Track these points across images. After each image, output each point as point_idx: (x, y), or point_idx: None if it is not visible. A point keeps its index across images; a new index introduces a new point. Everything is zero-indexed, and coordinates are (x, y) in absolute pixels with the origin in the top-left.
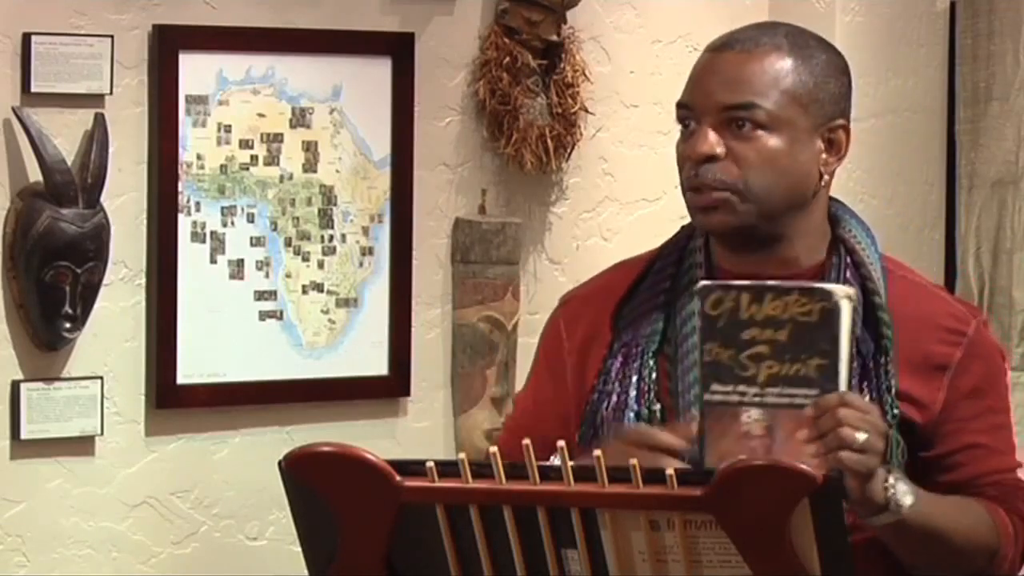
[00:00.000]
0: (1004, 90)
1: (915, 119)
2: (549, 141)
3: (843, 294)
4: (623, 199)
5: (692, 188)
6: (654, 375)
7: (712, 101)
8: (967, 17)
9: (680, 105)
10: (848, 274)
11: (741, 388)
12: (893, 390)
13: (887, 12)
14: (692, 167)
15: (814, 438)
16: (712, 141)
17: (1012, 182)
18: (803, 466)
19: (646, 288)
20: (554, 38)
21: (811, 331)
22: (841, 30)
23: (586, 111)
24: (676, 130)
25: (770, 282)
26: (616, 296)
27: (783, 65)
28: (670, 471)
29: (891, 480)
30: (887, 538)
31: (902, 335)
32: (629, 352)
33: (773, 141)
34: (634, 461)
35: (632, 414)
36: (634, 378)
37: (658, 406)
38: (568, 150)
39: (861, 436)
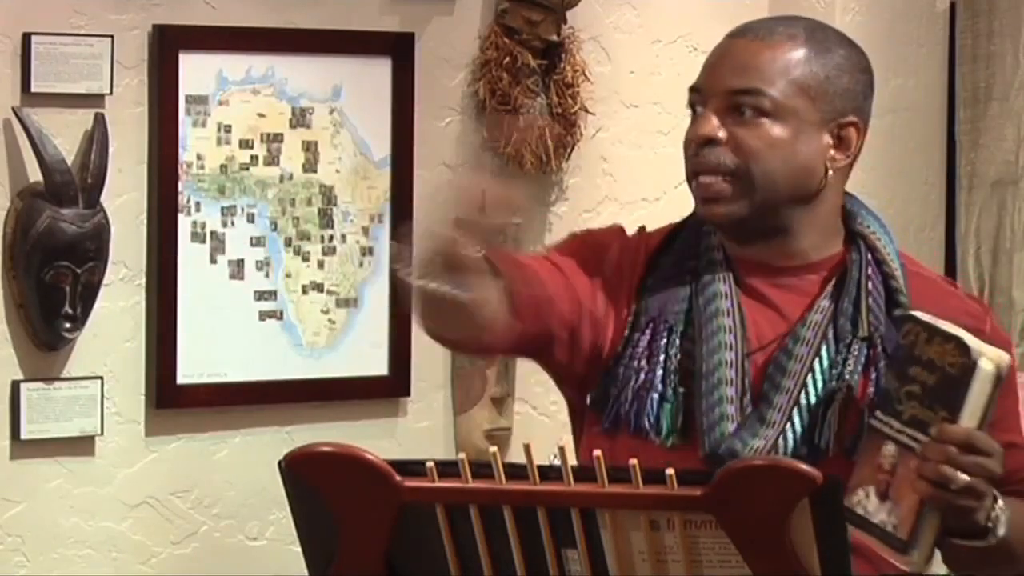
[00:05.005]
0: (1004, 90)
1: (915, 119)
2: (549, 141)
3: (990, 360)
4: (623, 199)
5: (694, 172)
6: (678, 356)
7: (719, 85)
8: (967, 17)
9: (691, 89)
10: (870, 271)
11: (891, 421)
12: None
13: (887, 12)
14: (694, 149)
15: (921, 460)
16: (714, 124)
17: (1012, 182)
18: (803, 466)
19: (671, 264)
20: (554, 38)
21: (949, 384)
22: (841, 30)
23: (586, 111)
24: (676, 130)
25: (947, 326)
26: (639, 261)
27: (795, 55)
28: (670, 471)
29: (995, 512)
30: (963, 556)
31: None
32: (657, 328)
33: (776, 130)
34: (634, 461)
35: (656, 395)
36: (661, 357)
37: (682, 390)
38: (568, 150)
39: (963, 478)
